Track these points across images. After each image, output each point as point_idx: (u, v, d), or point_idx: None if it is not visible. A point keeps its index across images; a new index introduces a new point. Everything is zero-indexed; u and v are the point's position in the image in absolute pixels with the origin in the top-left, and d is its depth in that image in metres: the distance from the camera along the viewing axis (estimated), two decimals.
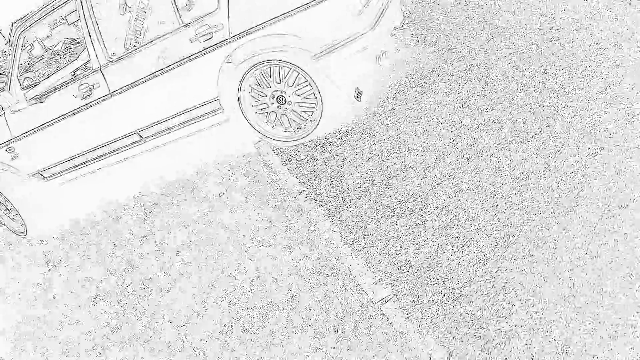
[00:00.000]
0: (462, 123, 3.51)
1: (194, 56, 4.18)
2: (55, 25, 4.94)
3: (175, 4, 4.12)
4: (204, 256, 3.67)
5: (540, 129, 3.24)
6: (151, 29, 4.26)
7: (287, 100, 4.21)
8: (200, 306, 3.25)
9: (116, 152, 4.85)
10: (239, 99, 4.27)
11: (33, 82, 4.99)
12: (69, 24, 5.31)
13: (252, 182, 4.20)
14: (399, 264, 2.82)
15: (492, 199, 2.94)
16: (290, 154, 4.25)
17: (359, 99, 4.25)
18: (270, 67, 4.09)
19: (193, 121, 4.50)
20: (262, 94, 4.24)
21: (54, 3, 4.60)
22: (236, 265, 3.40)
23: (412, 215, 3.03)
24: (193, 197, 4.51)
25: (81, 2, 4.42)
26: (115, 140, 4.76)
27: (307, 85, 4.08)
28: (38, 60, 5.39)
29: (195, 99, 4.37)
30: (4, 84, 5.01)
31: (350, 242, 3.07)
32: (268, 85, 4.18)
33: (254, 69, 4.11)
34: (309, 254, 3.17)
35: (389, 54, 4.39)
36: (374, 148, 3.77)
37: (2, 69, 6.05)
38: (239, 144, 4.63)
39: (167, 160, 4.86)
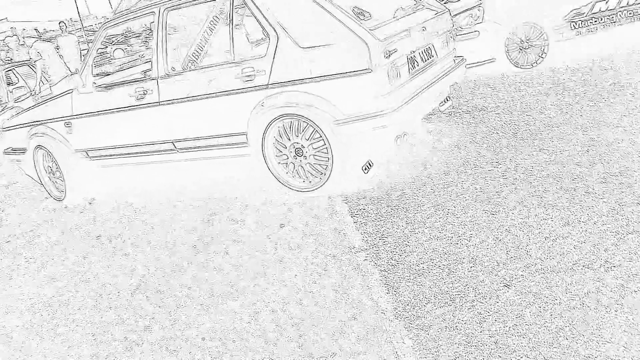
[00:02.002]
0: (542, 232, 3.37)
1: (234, 91, 4.53)
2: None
3: (232, 42, 4.52)
4: (251, 282, 3.60)
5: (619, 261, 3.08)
6: (207, 57, 4.77)
7: (303, 153, 4.47)
8: (236, 333, 3.17)
9: (152, 153, 5.22)
10: (263, 140, 4.56)
11: (104, 73, 5.67)
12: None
13: (316, 223, 4.13)
14: (448, 358, 2.68)
15: (557, 319, 2.78)
16: (359, 207, 4.16)
17: (365, 171, 4.37)
18: (294, 121, 4.39)
19: (220, 146, 4.79)
20: (283, 145, 4.53)
21: (138, 11, 5.16)
22: (282, 302, 3.31)
23: (470, 310, 2.89)
24: (254, 219, 4.47)
25: (158, 17, 4.91)
26: (153, 144, 5.15)
27: (322, 142, 4.34)
28: (112, 55, 6.18)
29: (226, 128, 4.68)
30: (81, 67, 5.56)
31: (402, 318, 2.94)
32: (288, 138, 4.47)
33: (281, 118, 4.41)
34: (356, 315, 3.06)
35: (409, 137, 4.58)
36: (444, 227, 3.65)
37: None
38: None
39: (235, 177, 4.87)
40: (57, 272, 4.46)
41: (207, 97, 4.69)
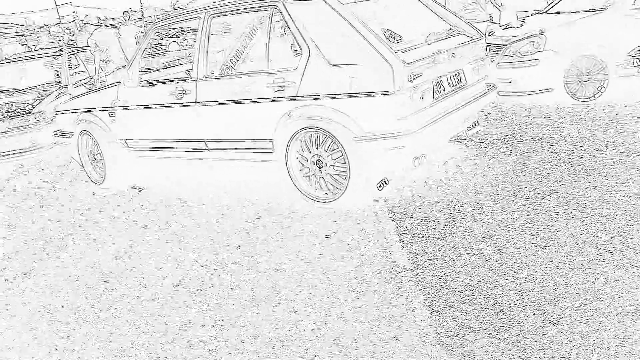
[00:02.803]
0: (592, 273, 3.29)
1: (265, 99, 4.71)
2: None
3: (268, 52, 4.71)
4: (293, 289, 3.59)
5: None
6: (244, 65, 4.95)
7: (323, 164, 4.63)
8: (276, 340, 3.17)
9: (185, 150, 5.45)
10: (287, 149, 4.72)
11: (149, 69, 6.14)
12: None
13: (362, 237, 4.11)
14: None
15: None
16: (406, 226, 4.14)
17: (380, 188, 4.47)
18: (317, 133, 4.54)
19: (248, 150, 4.99)
20: (304, 157, 4.71)
21: (186, 15, 5.48)
22: (324, 313, 3.30)
23: (515, 345, 2.82)
24: (300, 226, 4.48)
25: (203, 22, 5.14)
26: (186, 141, 5.38)
27: (341, 156, 4.47)
28: (168, 48, 6.49)
29: (254, 133, 4.88)
30: (128, 62, 5.88)
31: (444, 345, 2.91)
32: (309, 150, 4.64)
33: (305, 130, 4.57)
34: (398, 336, 3.02)
35: (428, 159, 4.64)
36: (492, 256, 3.59)
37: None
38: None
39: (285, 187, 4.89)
40: (103, 257, 4.53)
41: (239, 102, 4.88)
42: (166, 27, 5.74)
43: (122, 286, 4.00)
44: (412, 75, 4.20)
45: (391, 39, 4.47)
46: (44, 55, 9.77)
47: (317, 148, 4.62)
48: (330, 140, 4.50)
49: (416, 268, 3.55)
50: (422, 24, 5.04)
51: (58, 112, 6.73)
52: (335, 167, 4.59)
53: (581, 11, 6.92)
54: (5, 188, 7.10)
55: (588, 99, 6.57)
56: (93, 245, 4.79)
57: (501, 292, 3.21)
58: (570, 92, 6.62)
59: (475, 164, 5.13)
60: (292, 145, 4.72)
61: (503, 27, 7.73)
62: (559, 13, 7.37)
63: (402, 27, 4.74)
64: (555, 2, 7.83)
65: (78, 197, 6.22)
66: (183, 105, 5.27)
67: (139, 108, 5.67)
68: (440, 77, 4.58)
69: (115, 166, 6.12)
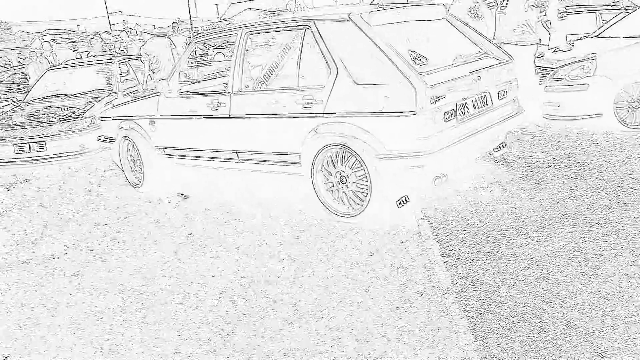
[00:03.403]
0: (637, 311, 3.21)
1: (293, 115, 4.88)
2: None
3: (299, 70, 4.88)
4: (336, 305, 3.59)
5: None
6: (276, 81, 5.12)
7: (347, 180, 4.75)
8: (317, 356, 3.17)
9: (218, 159, 5.67)
10: (313, 163, 4.87)
11: (189, 81, 6.46)
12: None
13: (405, 257, 4.09)
14: None
15: None
16: (451, 247, 4.10)
17: (400, 206, 4.56)
18: (341, 150, 4.69)
19: (276, 163, 5.17)
20: (329, 172, 4.84)
21: (224, 31, 5.86)
22: (366, 331, 3.29)
23: None
24: (344, 242, 4.48)
25: (240, 38, 5.38)
26: (220, 151, 5.59)
27: (363, 172, 4.59)
28: (213, 58, 6.89)
29: (283, 147, 5.04)
30: (169, 74, 6.25)
31: None
32: (334, 166, 4.78)
33: (330, 146, 4.72)
34: (441, 358, 2.99)
35: (448, 179, 4.72)
36: (538, 283, 3.52)
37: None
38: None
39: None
40: (148, 262, 4.61)
41: (270, 117, 5.06)
42: (206, 42, 6.04)
43: (165, 293, 4.06)
44: (434, 97, 4.31)
45: (417, 61, 4.58)
46: (97, 62, 10.02)
47: (341, 164, 4.74)
48: (354, 156, 4.62)
49: (460, 291, 3.51)
50: (451, 47, 5.13)
51: (103, 118, 7.04)
52: (357, 184, 4.69)
53: (633, 37, 6.80)
54: (55, 189, 7.29)
55: (638, 126, 6.43)
56: (138, 250, 4.88)
57: (547, 320, 3.15)
58: (620, 118, 6.49)
59: (520, 188, 5.07)
60: (317, 160, 4.86)
61: (552, 50, 7.63)
62: (611, 38, 7.25)
63: (431, 49, 4.86)
64: (607, 26, 7.70)
65: (124, 201, 6.34)
66: (218, 117, 5.50)
67: (177, 118, 5.92)
68: (465, 99, 4.66)
69: (152, 171, 6.39)
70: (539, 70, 6.98)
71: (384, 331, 3.24)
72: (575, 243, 3.94)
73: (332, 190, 4.88)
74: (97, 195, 6.76)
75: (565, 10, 9.31)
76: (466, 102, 4.69)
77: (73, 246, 5.20)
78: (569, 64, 6.79)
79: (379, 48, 4.49)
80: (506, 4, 6.88)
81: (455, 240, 4.20)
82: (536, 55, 7.08)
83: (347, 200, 4.81)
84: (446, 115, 4.47)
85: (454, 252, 4.01)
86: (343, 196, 4.83)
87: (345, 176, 4.76)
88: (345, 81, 4.60)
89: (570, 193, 4.83)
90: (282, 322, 3.47)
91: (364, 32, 4.61)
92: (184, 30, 25.39)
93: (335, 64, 4.67)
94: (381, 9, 5.01)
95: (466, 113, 4.68)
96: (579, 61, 6.70)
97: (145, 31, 13.95)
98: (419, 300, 3.48)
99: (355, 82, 4.54)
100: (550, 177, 5.23)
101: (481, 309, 3.31)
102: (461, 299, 3.43)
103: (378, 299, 3.56)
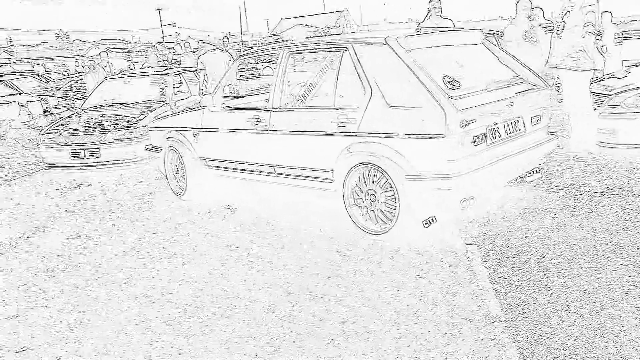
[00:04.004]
0: None
1: (328, 133, 5.04)
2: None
3: (336, 92, 5.03)
4: (383, 327, 3.57)
5: None
6: (314, 99, 5.27)
7: (376, 198, 4.84)
8: None
9: (255, 173, 5.89)
10: (345, 181, 5.00)
11: (233, 96, 6.79)
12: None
13: (454, 281, 4.04)
14: None
15: None
16: (500, 274, 4.03)
17: (426, 226, 4.60)
18: (372, 169, 4.79)
19: (310, 178, 5.33)
20: (360, 189, 4.95)
21: (268, 50, 6.26)
22: (414, 356, 3.24)
23: None
24: (391, 263, 4.46)
25: (281, 57, 5.59)
26: (257, 164, 5.80)
27: (392, 191, 4.69)
28: (262, 72, 7.20)
29: (317, 163, 5.21)
30: (214, 89, 6.50)
31: None
32: (365, 183, 4.88)
33: (362, 165, 4.85)
34: None
35: (476, 202, 4.68)
36: (590, 316, 3.43)
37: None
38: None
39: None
40: (196, 273, 4.66)
41: (306, 134, 5.24)
42: (251, 59, 6.29)
43: (213, 305, 4.10)
44: (464, 121, 4.39)
45: (449, 85, 4.65)
46: (152, 73, 10.27)
47: (372, 182, 4.85)
48: (384, 176, 4.73)
49: (510, 320, 3.44)
50: (486, 72, 5.21)
51: (151, 129, 7.35)
52: (386, 202, 4.78)
53: None
54: (107, 196, 7.46)
55: None
56: (187, 260, 4.95)
57: (600, 355, 3.07)
58: None
59: (572, 216, 4.96)
60: (349, 178, 4.99)
61: (608, 77, 7.48)
62: None
63: (466, 73, 4.93)
64: None
65: (174, 211, 6.45)
66: (257, 132, 5.71)
67: (219, 131, 6.19)
68: (496, 123, 4.73)
69: (194, 181, 6.64)
70: (594, 97, 6.84)
71: (431, 357, 3.20)
72: (629, 276, 3.83)
73: (361, 207, 5.00)
74: (148, 203, 6.89)
75: (621, 36, 9.13)
76: (497, 127, 4.75)
77: (124, 253, 5.30)
78: (625, 91, 6.64)
79: (412, 72, 4.61)
80: (562, 29, 6.78)
81: (504, 267, 4.13)
82: (591, 81, 6.94)
83: (375, 217, 4.91)
84: (476, 139, 4.54)
85: (503, 279, 3.95)
86: (372, 213, 4.93)
87: (375, 194, 4.86)
88: (378, 102, 4.73)
89: (625, 224, 4.70)
90: (328, 341, 3.46)
91: (398, 56, 4.74)
92: (233, 44, 25.81)
93: (370, 85, 4.81)
94: (418, 33, 5.18)
95: (497, 137, 4.74)
96: (636, 88, 6.55)
97: (206, 42, 14.23)
98: (468, 327, 3.43)
99: (388, 104, 4.67)
100: (603, 207, 5.11)
101: (531, 340, 3.24)
102: (511, 328, 3.36)
103: (425, 324, 3.52)
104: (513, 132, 4.92)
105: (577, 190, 5.60)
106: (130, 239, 5.66)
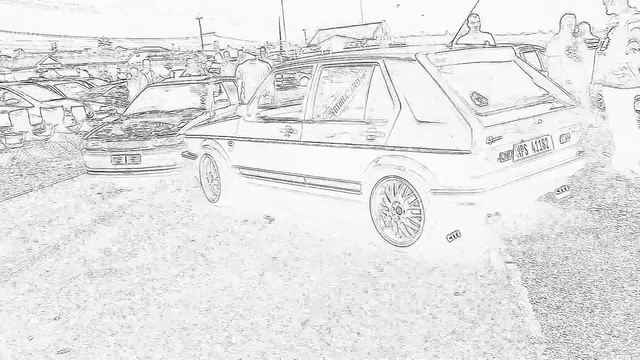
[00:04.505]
0: None
1: (357, 145, 5.18)
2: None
3: (366, 105, 5.16)
4: (421, 344, 3.54)
5: None
6: (344, 112, 5.40)
7: (402, 211, 4.93)
8: None
9: (287, 182, 6.05)
10: (372, 193, 5.10)
11: (267, 106, 7.03)
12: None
13: (492, 300, 3.99)
14: None
15: None
16: (541, 295, 3.97)
17: (450, 240, 4.67)
18: (399, 182, 4.88)
19: (339, 189, 5.46)
20: (387, 202, 5.04)
21: (301, 63, 6.45)
22: None
23: None
24: (427, 279, 4.43)
25: (314, 70, 5.77)
26: (289, 174, 5.96)
27: (417, 205, 4.77)
28: (299, 83, 7.42)
29: (346, 174, 5.33)
30: (249, 99, 6.76)
31: None
32: (392, 196, 4.98)
33: (389, 178, 4.94)
34: None
35: (501, 217, 4.71)
36: (635, 342, 3.34)
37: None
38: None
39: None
40: (233, 282, 4.70)
41: (336, 145, 5.38)
42: (284, 71, 6.65)
43: (251, 314, 4.12)
44: (490, 138, 4.46)
45: (477, 102, 4.73)
46: (193, 82, 10.42)
47: (399, 195, 4.93)
48: (410, 189, 4.81)
49: (551, 342, 3.39)
50: (516, 89, 5.25)
51: (188, 136, 7.56)
52: (412, 215, 4.86)
53: None
54: (147, 201, 7.59)
55: None
56: (225, 269, 4.99)
57: None
58: None
59: (615, 237, 4.86)
60: (376, 190, 5.08)
61: None
62: None
63: (495, 90, 4.98)
64: None
65: (212, 218, 6.52)
66: (289, 143, 5.89)
67: (253, 140, 6.39)
68: (523, 141, 4.77)
69: (227, 188, 6.85)
70: (638, 114, 6.70)
71: None
72: None
73: (388, 219, 5.07)
74: (186, 210, 6.98)
75: None
76: (525, 144, 4.79)
77: (163, 259, 5.38)
78: None
79: (440, 87, 4.69)
80: (607, 45, 6.66)
81: (545, 287, 4.06)
82: (636, 99, 6.80)
83: (400, 230, 4.99)
84: (502, 156, 4.59)
85: (544, 299, 3.88)
86: (398, 225, 5.01)
87: (401, 207, 4.93)
88: (407, 117, 4.83)
89: None
90: (366, 356, 3.45)
91: (427, 72, 4.83)
92: (271, 53, 26.04)
93: (399, 100, 4.92)
94: (449, 49, 5.25)
95: (524, 154, 4.79)
96: None
97: (247, 51, 14.42)
98: (507, 347, 3.38)
99: (416, 119, 4.77)
100: None
101: None
102: (552, 350, 3.31)
103: (464, 342, 3.48)
104: (541, 149, 4.95)
105: (619, 210, 5.48)
106: (169, 246, 5.74)
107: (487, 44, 8.02)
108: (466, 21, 8.25)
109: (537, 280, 4.19)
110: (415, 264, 4.70)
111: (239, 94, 10.46)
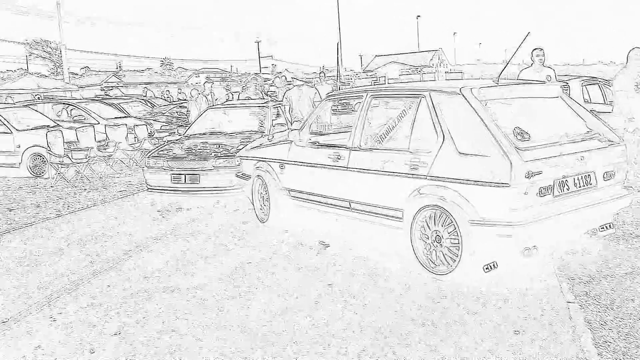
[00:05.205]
0: None
1: (401, 174, 5.32)
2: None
3: (411, 135, 5.31)
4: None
5: None
6: (390, 142, 5.58)
7: (441, 240, 5.02)
8: None
9: (333, 206, 6.25)
10: (413, 221, 5.22)
11: (318, 132, 7.15)
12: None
13: (555, 341, 3.87)
14: None
15: None
16: (605, 339, 3.83)
17: (487, 270, 4.68)
18: (439, 211, 4.99)
19: (382, 216, 5.60)
20: (427, 230, 5.15)
21: (353, 92, 6.74)
22: None
23: None
24: (488, 315, 4.34)
25: (364, 99, 6.00)
26: (335, 199, 6.17)
27: (456, 235, 4.85)
28: (353, 108, 7.47)
29: (389, 202, 5.47)
30: (301, 124, 7.12)
31: None
32: (432, 224, 5.08)
33: (429, 207, 5.06)
34: None
35: (539, 251, 4.68)
36: None
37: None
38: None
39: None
40: (290, 307, 4.71)
41: (381, 173, 5.55)
42: (338, 100, 6.93)
43: (307, 341, 4.12)
44: (530, 172, 4.54)
45: (519, 137, 4.80)
46: (253, 105, 10.62)
47: (442, 225, 5.01)
48: (449, 219, 4.90)
49: None
50: (560, 125, 5.29)
51: (242, 158, 7.85)
52: (450, 247, 4.95)
53: None
54: (204, 221, 7.73)
55: None
56: (281, 293, 5.01)
57: None
58: None
59: None
60: (417, 218, 5.21)
61: None
62: None
63: (539, 126, 5.05)
64: None
65: (268, 242, 6.58)
66: (336, 168, 6.10)
67: (303, 165, 6.63)
68: (565, 176, 4.83)
69: (277, 209, 7.11)
70: None
71: None
72: None
73: (427, 247, 5.17)
74: (242, 232, 7.07)
75: None
76: (566, 180, 4.85)
77: (219, 280, 5.45)
78: None
79: (483, 122, 4.81)
80: None
81: (610, 331, 3.93)
82: None
83: (438, 258, 5.07)
84: (542, 190, 4.66)
85: (609, 344, 3.75)
86: (435, 254, 5.10)
87: (440, 236, 5.03)
88: (449, 149, 4.96)
89: None
90: None
91: (471, 106, 4.95)
92: (328, 78, 26.29)
93: (443, 132, 5.05)
94: (495, 85, 5.33)
95: (565, 190, 4.84)
96: None
97: (295, 77, 14.66)
98: None
99: (458, 151, 4.89)
100: None
101: None
102: None
103: None
104: (583, 186, 4.99)
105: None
106: (226, 266, 5.81)
107: (549, 78, 7.92)
108: (531, 55, 8.23)
109: (601, 323, 4.05)
110: (474, 299, 4.61)
111: (286, 119, 10.62)
